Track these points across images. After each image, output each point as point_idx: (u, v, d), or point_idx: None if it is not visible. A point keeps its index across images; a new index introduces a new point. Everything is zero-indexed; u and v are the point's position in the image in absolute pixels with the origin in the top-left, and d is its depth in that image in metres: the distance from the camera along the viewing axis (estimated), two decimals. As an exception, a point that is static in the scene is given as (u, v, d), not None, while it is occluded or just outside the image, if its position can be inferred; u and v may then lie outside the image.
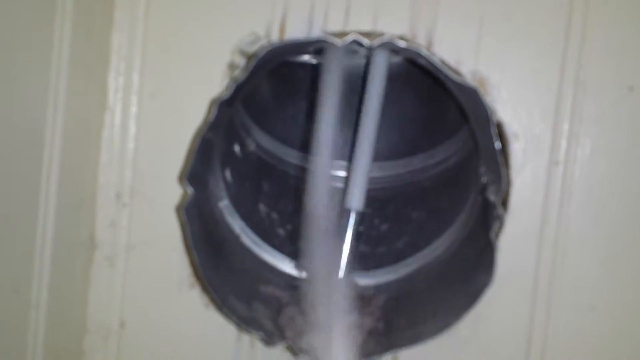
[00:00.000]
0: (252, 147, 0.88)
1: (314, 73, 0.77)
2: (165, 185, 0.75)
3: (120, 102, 0.75)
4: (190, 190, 0.67)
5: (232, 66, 0.73)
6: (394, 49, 0.67)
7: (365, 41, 0.64)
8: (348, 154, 0.82)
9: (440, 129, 0.88)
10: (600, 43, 0.69)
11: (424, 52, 0.64)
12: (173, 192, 0.75)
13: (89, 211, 0.75)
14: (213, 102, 0.70)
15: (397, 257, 0.83)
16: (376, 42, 0.64)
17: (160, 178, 0.75)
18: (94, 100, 0.74)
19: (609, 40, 0.69)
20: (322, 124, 0.69)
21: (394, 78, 0.75)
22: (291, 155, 0.92)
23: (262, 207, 0.87)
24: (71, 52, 0.66)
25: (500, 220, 0.67)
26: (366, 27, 0.72)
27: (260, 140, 0.90)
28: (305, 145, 0.86)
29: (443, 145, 0.88)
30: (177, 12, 0.74)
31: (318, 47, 0.69)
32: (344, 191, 0.80)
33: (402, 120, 0.90)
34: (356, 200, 0.78)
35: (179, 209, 0.74)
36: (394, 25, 0.72)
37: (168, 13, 0.74)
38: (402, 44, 0.64)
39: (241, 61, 0.73)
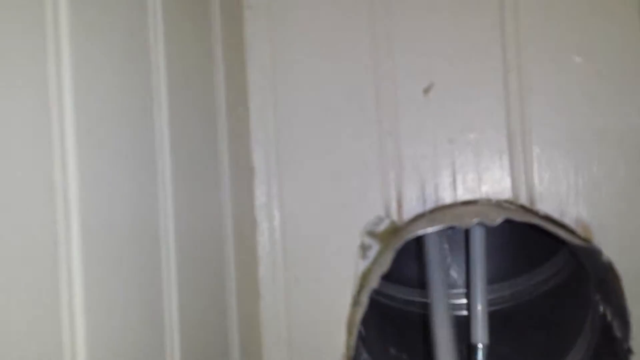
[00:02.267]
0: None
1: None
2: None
3: (270, 289, 0.87)
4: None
5: (363, 247, 0.84)
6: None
7: (481, 220, 0.74)
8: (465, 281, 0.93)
9: (539, 252, 0.98)
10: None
11: (538, 221, 0.74)
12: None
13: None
14: (358, 285, 0.81)
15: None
16: (489, 221, 0.74)
17: (314, 357, 0.86)
18: (250, 289, 0.86)
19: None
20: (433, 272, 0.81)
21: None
22: (407, 293, 1.02)
23: (392, 351, 0.97)
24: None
25: (631, 351, 0.76)
26: (472, 195, 0.83)
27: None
28: (421, 281, 0.96)
29: (543, 267, 0.98)
30: (307, 210, 0.86)
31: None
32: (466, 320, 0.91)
33: (503, 246, 1.00)
34: (481, 334, 0.89)
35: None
36: (498, 190, 0.82)
37: (299, 212, 0.86)
38: (501, 217, 0.74)
39: (370, 241, 0.84)
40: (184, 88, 0.66)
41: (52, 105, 0.42)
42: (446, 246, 1.02)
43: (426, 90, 0.85)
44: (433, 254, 0.88)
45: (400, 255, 1.05)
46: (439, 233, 0.88)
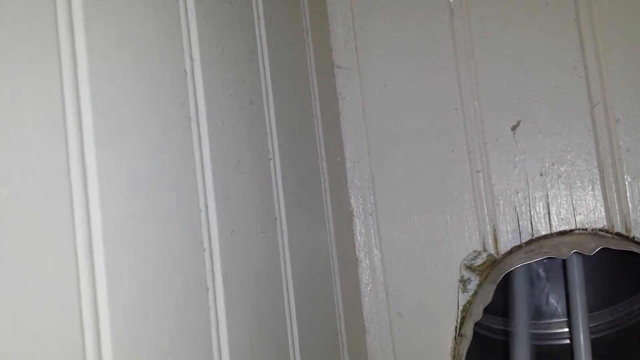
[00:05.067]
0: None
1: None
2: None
3: (375, 324, 0.92)
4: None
5: (462, 280, 0.88)
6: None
7: (577, 250, 0.77)
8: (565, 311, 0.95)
9: (638, 278, 0.98)
10: None
11: (635, 248, 0.76)
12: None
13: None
14: (460, 318, 0.85)
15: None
16: (586, 251, 0.77)
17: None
18: (357, 324, 0.91)
19: None
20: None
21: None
22: (490, 320, 1.05)
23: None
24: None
25: None
26: (567, 225, 0.86)
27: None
28: (504, 310, 0.99)
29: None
30: (405, 248, 0.91)
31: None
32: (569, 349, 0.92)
33: (601, 273, 1.01)
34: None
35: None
36: (592, 219, 0.85)
37: (398, 250, 0.92)
38: (597, 247, 0.76)
39: (469, 275, 0.88)
40: (292, 144, 0.74)
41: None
42: (544, 275, 1.04)
43: (514, 128, 0.89)
44: (519, 284, 0.90)
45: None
46: (534, 263, 0.91)
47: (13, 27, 0.34)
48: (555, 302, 1.04)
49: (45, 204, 0.34)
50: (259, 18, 0.70)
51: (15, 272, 0.32)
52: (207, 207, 0.51)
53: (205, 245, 0.50)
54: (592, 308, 1.01)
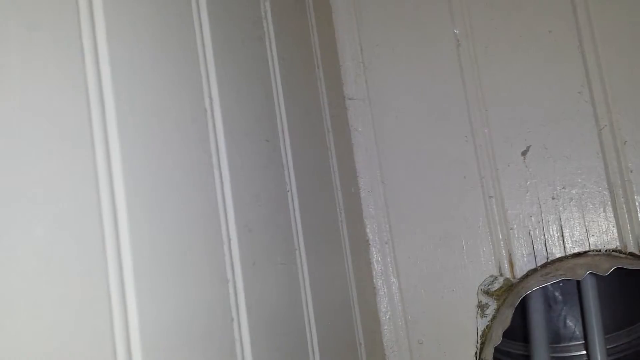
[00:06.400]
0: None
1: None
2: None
3: (395, 351, 0.93)
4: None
5: (480, 305, 0.89)
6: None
7: (592, 271, 0.78)
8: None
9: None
10: None
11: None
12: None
13: None
14: (479, 343, 0.85)
15: None
16: (601, 271, 0.78)
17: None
18: (377, 352, 0.92)
19: None
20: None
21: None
22: (513, 346, 1.05)
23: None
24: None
25: None
26: (581, 247, 0.87)
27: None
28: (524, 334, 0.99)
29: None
30: (423, 274, 0.93)
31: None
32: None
33: (617, 294, 1.02)
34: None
35: None
36: (605, 240, 0.86)
37: (415, 277, 0.93)
38: (611, 267, 0.77)
39: (487, 299, 0.89)
40: (308, 176, 0.77)
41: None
42: (560, 298, 1.04)
43: (524, 153, 0.91)
44: (536, 308, 0.91)
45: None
46: (550, 286, 0.92)
47: (50, 96, 0.37)
48: (572, 324, 1.04)
49: (77, 244, 0.36)
50: (272, 58, 0.73)
51: (50, 310, 0.34)
52: (229, 240, 0.53)
53: (229, 276, 0.52)
54: (610, 329, 1.01)
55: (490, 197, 0.91)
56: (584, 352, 1.01)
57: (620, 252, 0.83)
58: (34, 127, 0.34)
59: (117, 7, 0.43)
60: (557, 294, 1.02)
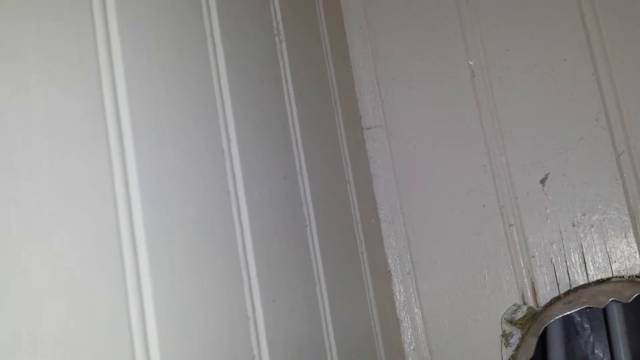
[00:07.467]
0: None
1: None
2: None
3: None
4: None
5: (504, 335, 0.89)
6: None
7: (615, 298, 0.77)
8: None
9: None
10: None
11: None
12: None
13: None
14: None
15: None
16: (624, 299, 0.77)
17: None
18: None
19: None
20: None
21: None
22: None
23: None
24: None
25: None
26: (604, 274, 0.86)
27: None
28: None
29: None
30: (446, 305, 0.93)
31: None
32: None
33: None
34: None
35: None
36: (628, 266, 0.85)
37: (438, 308, 0.93)
38: (634, 294, 0.76)
39: (511, 329, 0.88)
40: (327, 210, 0.78)
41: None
42: (587, 325, 1.03)
43: (542, 181, 0.91)
44: (555, 335, 0.90)
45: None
46: (576, 313, 0.91)
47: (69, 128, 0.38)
48: (601, 352, 1.03)
49: (101, 280, 0.38)
50: (289, 94, 0.75)
51: (71, 341, 0.35)
52: (249, 277, 0.54)
53: (249, 313, 0.53)
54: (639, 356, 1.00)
55: (511, 225, 0.91)
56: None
57: (644, 278, 0.82)
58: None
59: (135, 58, 0.45)
60: (584, 320, 1.01)
